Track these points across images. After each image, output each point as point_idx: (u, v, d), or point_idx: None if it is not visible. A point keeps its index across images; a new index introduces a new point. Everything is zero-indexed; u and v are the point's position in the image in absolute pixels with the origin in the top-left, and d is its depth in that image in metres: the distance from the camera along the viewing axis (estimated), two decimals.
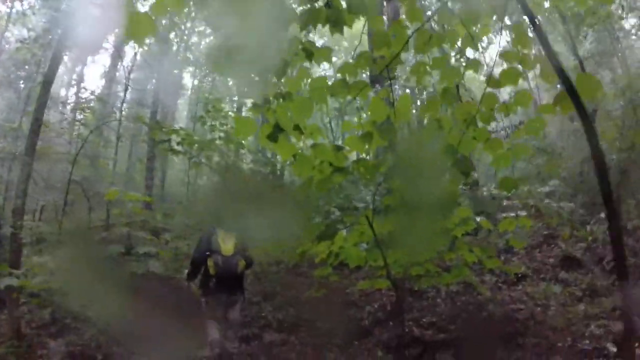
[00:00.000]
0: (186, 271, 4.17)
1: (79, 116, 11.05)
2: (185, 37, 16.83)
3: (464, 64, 2.97)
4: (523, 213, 4.93)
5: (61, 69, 19.74)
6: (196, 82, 17.53)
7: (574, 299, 5.00)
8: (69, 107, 12.98)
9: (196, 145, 7.25)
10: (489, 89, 2.85)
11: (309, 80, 2.88)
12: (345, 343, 5.12)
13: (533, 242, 6.89)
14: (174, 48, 16.27)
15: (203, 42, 17.29)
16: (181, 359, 3.69)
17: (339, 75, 2.94)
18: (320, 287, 5.06)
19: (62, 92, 17.02)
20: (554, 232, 7.00)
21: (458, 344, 4.41)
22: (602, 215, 7.03)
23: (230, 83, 13.90)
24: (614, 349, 3.44)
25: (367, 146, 3.05)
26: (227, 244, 3.95)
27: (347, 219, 2.94)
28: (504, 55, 2.96)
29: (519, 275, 6.09)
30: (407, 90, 9.07)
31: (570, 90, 2.19)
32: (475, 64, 2.89)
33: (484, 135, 3.16)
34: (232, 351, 3.88)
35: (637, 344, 3.46)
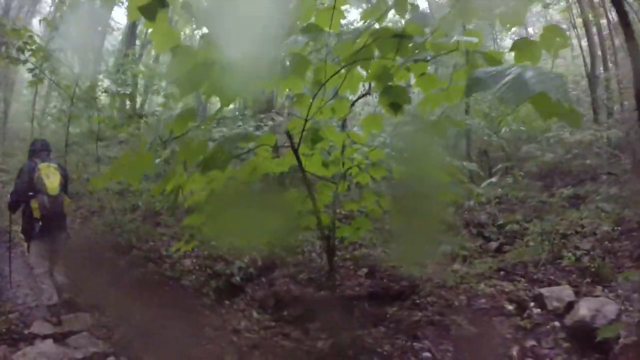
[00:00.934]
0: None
1: None
2: None
3: None
4: None
5: None
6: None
7: (448, 259, 5.11)
8: None
9: (41, 54, 5.61)
10: None
11: None
12: (216, 303, 4.45)
13: None
14: None
15: None
16: None
17: None
18: (190, 239, 4.19)
19: None
20: None
21: (342, 302, 4.09)
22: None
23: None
24: (511, 307, 3.46)
25: None
26: (52, 181, 3.60)
27: (250, 136, 2.21)
28: None
29: None
30: None
31: None
32: None
33: (420, 68, 2.72)
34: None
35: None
